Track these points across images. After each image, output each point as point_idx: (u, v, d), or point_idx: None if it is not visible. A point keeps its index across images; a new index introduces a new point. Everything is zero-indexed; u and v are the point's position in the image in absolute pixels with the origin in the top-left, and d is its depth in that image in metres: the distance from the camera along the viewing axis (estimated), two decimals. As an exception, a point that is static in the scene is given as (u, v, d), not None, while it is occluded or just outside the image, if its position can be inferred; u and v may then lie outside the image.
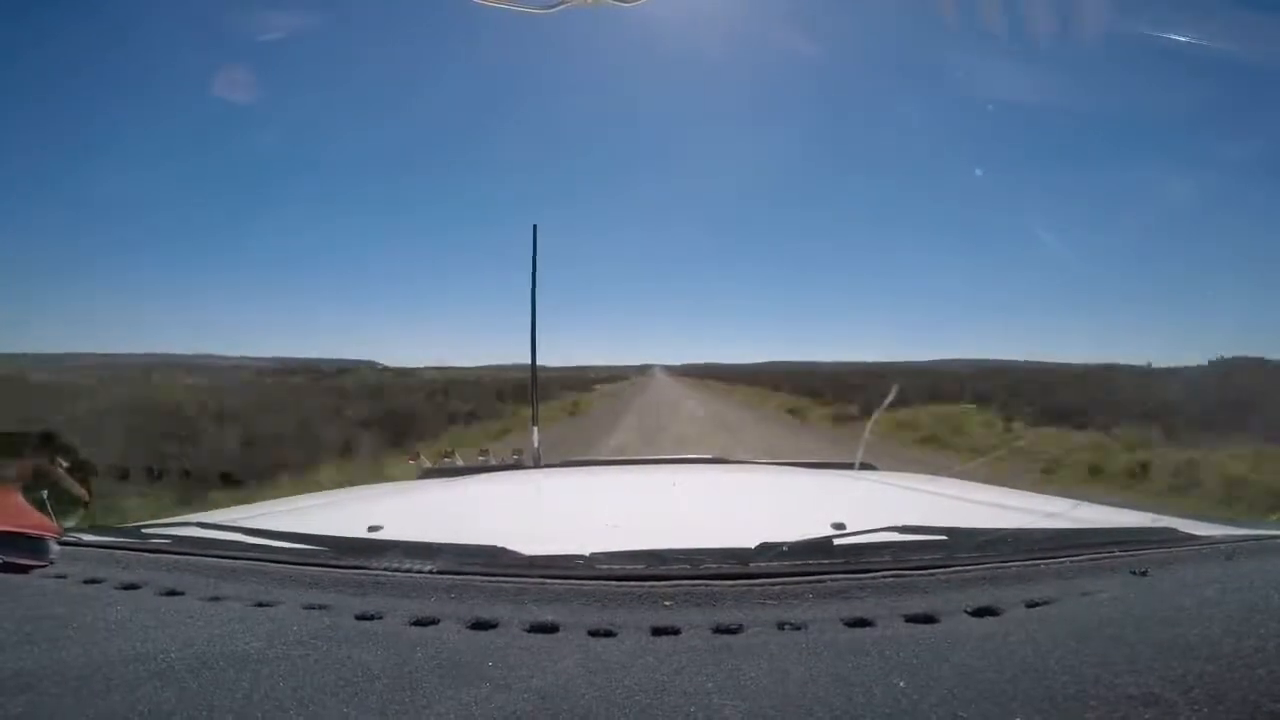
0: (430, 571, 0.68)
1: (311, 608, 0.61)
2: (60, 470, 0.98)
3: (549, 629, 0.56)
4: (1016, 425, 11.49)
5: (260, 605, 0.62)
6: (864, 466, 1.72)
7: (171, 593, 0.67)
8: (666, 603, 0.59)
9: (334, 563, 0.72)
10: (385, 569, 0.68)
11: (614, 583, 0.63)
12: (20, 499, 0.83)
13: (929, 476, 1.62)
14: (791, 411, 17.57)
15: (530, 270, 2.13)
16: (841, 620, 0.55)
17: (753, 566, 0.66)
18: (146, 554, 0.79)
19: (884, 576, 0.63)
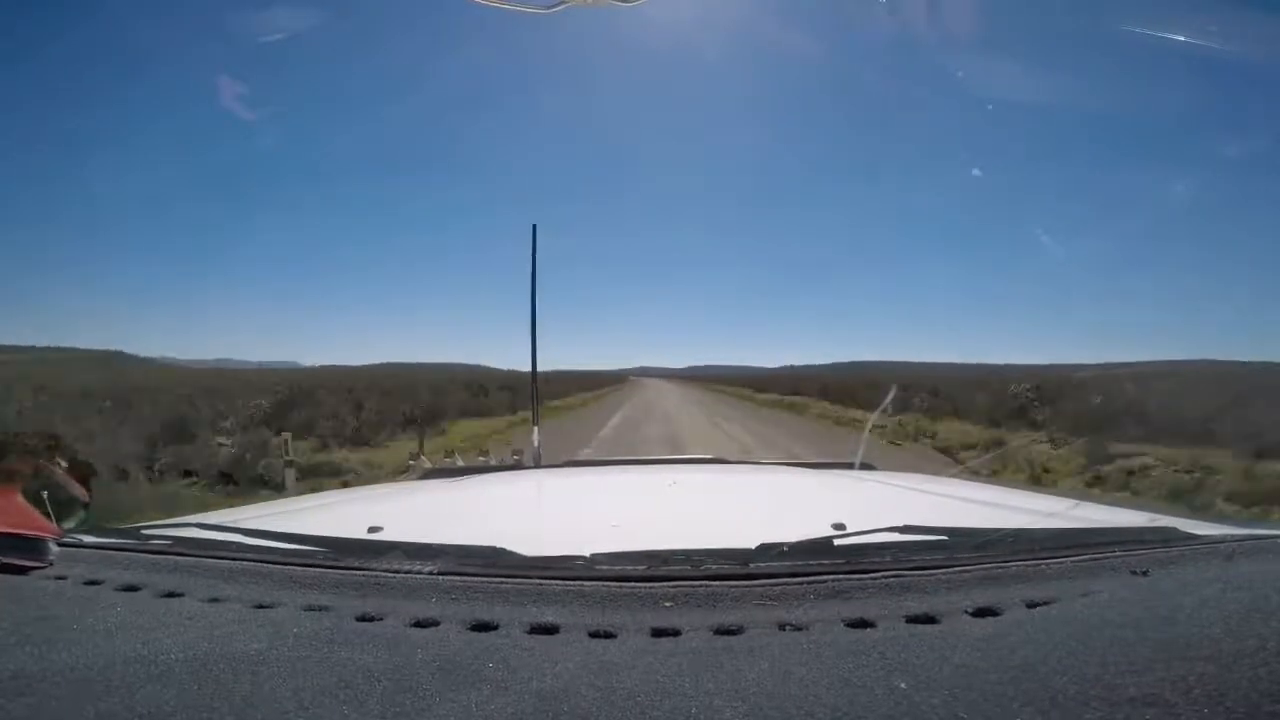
0: (431, 573, 0.67)
1: (311, 609, 0.61)
2: (60, 470, 0.97)
3: (549, 630, 0.56)
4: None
5: (260, 607, 0.62)
6: (864, 466, 1.73)
7: (171, 594, 0.67)
8: (667, 604, 0.59)
9: (334, 564, 0.72)
10: (386, 570, 0.68)
11: (614, 584, 0.63)
12: (20, 499, 0.83)
13: (929, 476, 1.62)
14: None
15: (530, 270, 2.14)
16: (842, 621, 0.55)
17: (753, 567, 0.66)
18: (146, 555, 0.79)
19: (884, 577, 0.63)
